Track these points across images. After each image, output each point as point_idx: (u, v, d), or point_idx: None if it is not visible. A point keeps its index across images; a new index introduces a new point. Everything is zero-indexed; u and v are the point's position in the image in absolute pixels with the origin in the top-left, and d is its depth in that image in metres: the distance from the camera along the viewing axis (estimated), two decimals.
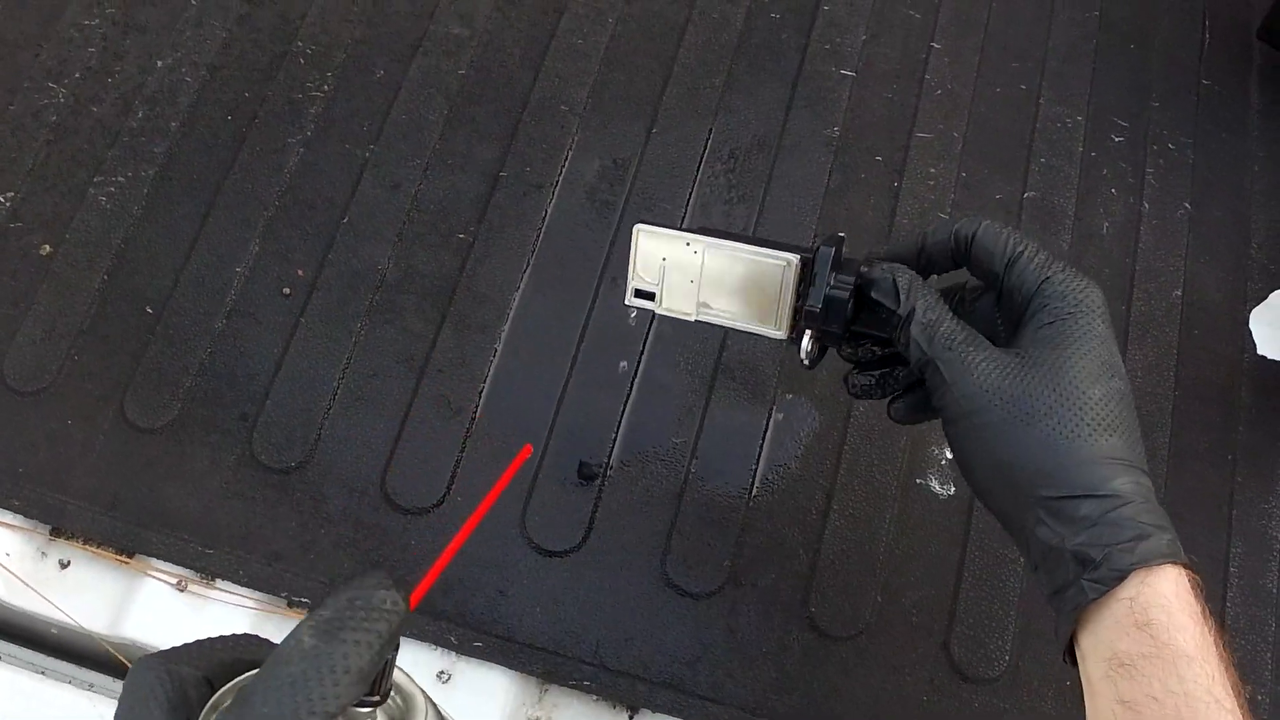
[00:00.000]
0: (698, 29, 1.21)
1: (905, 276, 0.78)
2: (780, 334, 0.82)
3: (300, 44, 1.17)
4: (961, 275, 0.83)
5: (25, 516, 0.98)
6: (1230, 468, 1.06)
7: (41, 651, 0.99)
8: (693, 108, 1.17)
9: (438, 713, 0.60)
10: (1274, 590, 1.01)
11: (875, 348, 0.84)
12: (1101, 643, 0.69)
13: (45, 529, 0.98)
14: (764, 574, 0.98)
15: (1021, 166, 1.17)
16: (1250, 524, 1.04)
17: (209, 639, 0.59)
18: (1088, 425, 0.72)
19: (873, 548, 0.99)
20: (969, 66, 1.22)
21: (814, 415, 1.04)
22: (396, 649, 0.55)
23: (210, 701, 0.56)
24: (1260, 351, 1.04)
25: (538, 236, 1.10)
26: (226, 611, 0.95)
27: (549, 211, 1.11)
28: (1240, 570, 1.02)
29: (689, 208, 1.12)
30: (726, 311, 0.84)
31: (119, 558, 0.97)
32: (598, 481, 1.00)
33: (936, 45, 1.22)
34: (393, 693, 0.58)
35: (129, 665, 0.94)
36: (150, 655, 0.56)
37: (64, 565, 0.97)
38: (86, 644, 0.97)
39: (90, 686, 0.96)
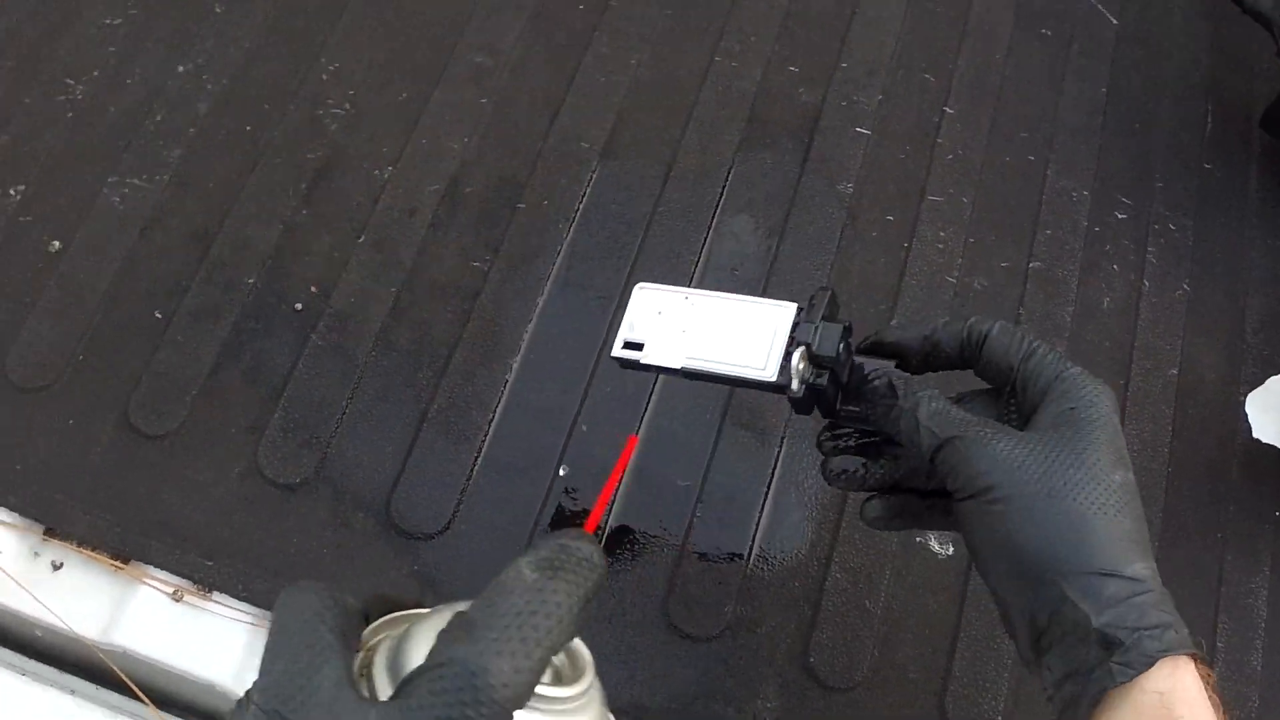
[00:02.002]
0: (718, 76, 1.22)
1: (900, 376, 0.80)
2: (770, 376, 0.81)
3: (324, 60, 1.17)
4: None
5: (20, 515, 0.97)
6: (1220, 546, 1.07)
7: (24, 654, 0.97)
8: (710, 154, 1.18)
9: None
10: (1258, 667, 1.03)
11: (855, 437, 0.85)
12: None
13: (39, 529, 0.96)
14: (764, 621, 0.98)
15: (1028, 236, 1.18)
16: (1237, 601, 1.05)
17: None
18: (1113, 505, 0.71)
19: (872, 602, 1.00)
20: (980, 133, 1.23)
21: (818, 468, 1.04)
22: None
23: (363, 634, 0.56)
24: (1255, 435, 1.06)
25: (553, 271, 1.10)
26: (221, 624, 0.94)
27: (564, 247, 1.11)
28: (1227, 646, 1.03)
29: (702, 254, 1.12)
30: (715, 359, 0.84)
31: (114, 563, 0.95)
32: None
33: (950, 110, 1.24)
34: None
35: (119, 673, 0.93)
36: (308, 581, 0.55)
37: (57, 567, 0.96)
38: (73, 649, 0.96)
39: (73, 692, 0.94)
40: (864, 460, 0.84)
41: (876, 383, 0.80)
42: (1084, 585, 0.69)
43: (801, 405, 0.82)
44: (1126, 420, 1.11)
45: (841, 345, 0.80)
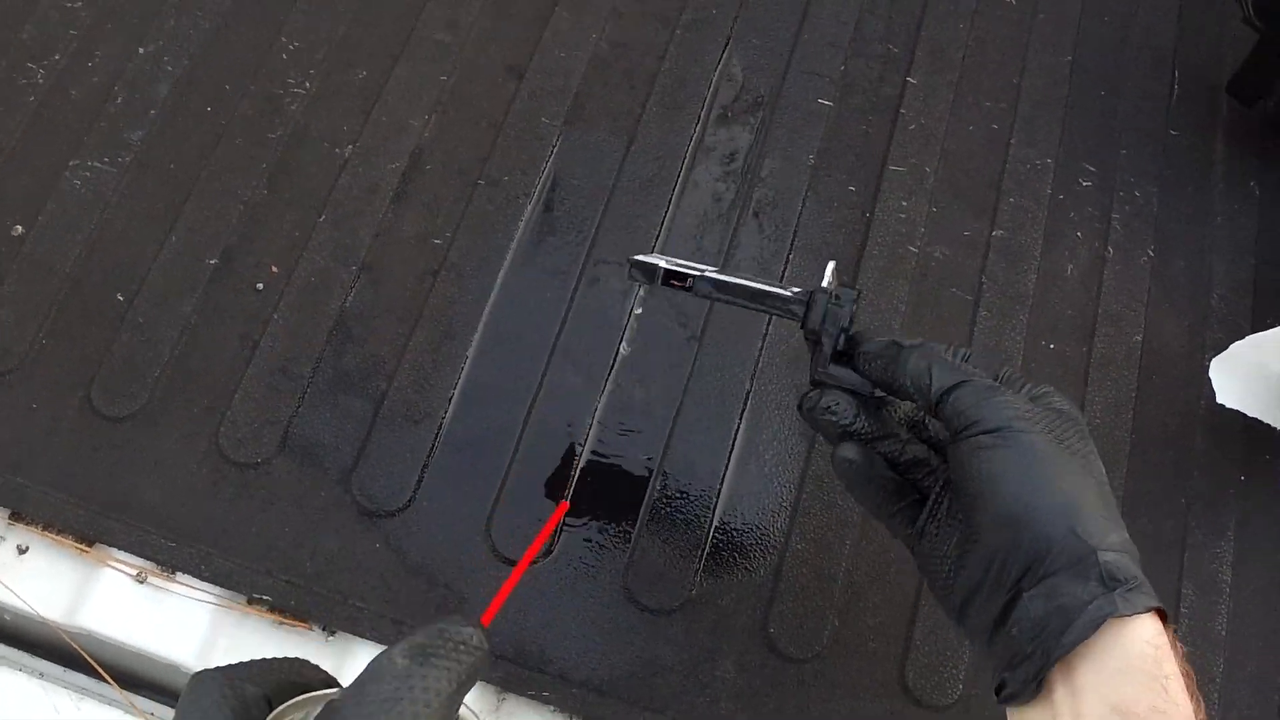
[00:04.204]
0: (678, 50, 1.22)
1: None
2: (791, 293, 0.86)
3: (284, 39, 1.17)
4: None
5: None
6: (1183, 512, 1.07)
7: None
8: (672, 126, 1.18)
9: None
10: (1222, 633, 1.03)
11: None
12: (1105, 683, 0.69)
13: (4, 513, 0.97)
14: (725, 593, 0.99)
15: (991, 205, 1.18)
16: (1201, 567, 1.05)
17: (266, 659, 0.60)
18: (1106, 481, 0.77)
19: (832, 572, 1.00)
20: (943, 103, 1.23)
21: (779, 439, 1.04)
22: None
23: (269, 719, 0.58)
24: (1219, 400, 1.06)
25: (512, 246, 1.10)
26: (186, 605, 0.94)
27: (524, 223, 1.11)
28: (1190, 612, 1.03)
29: (663, 227, 1.13)
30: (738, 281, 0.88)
31: (79, 546, 0.96)
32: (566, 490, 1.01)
33: (912, 80, 1.24)
34: None
35: (85, 655, 0.94)
36: (210, 670, 0.58)
37: (22, 551, 0.96)
38: (40, 632, 0.96)
39: (41, 675, 0.95)
40: (855, 403, 0.85)
41: (876, 340, 0.84)
42: (1092, 525, 0.72)
43: (814, 331, 0.85)
44: (1089, 387, 1.11)
45: (857, 295, 0.85)
